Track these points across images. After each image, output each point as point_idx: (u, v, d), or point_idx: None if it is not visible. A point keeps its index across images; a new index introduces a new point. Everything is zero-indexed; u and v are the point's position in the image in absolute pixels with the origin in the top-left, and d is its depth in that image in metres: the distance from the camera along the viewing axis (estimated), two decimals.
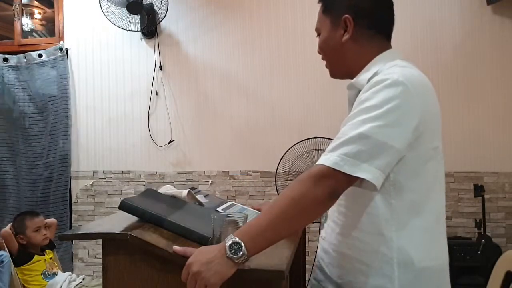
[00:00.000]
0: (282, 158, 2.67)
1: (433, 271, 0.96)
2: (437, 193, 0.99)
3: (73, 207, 3.39)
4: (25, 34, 3.70)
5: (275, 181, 2.68)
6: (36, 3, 4.00)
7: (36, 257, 2.48)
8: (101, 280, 1.18)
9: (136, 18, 3.09)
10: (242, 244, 0.86)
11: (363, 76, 1.01)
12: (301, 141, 2.66)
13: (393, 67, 0.97)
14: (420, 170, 0.95)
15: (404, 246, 0.94)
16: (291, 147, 2.67)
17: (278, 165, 2.68)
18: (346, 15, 1.03)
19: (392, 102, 0.89)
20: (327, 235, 1.10)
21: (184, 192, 1.34)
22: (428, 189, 0.97)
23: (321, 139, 2.62)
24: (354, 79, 1.04)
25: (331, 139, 2.74)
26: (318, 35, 1.12)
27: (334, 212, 1.06)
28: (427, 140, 0.94)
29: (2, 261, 2.27)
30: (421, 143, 0.93)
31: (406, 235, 0.94)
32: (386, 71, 0.96)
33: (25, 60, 3.35)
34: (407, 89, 0.90)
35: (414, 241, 0.94)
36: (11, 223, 2.52)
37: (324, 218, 1.16)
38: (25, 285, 2.42)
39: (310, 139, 2.64)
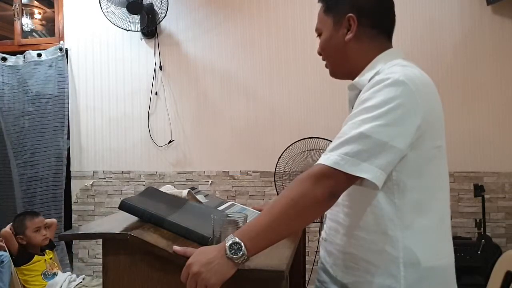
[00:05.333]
0: (279, 158, 2.67)
1: (439, 271, 0.96)
2: (441, 192, 0.99)
3: (73, 207, 3.39)
4: (25, 34, 3.70)
5: (274, 181, 2.68)
6: (36, 3, 4.00)
7: (36, 257, 2.48)
8: (101, 280, 1.18)
9: (136, 18, 3.09)
10: (242, 244, 0.86)
11: (364, 77, 1.01)
12: (296, 141, 2.66)
13: (394, 66, 0.97)
14: (423, 169, 0.94)
15: (410, 246, 0.94)
16: (288, 147, 2.67)
17: (276, 165, 2.68)
18: (350, 14, 1.03)
19: (393, 101, 0.89)
20: (329, 237, 1.09)
21: (184, 192, 1.35)
22: (432, 188, 0.97)
23: (316, 139, 2.62)
24: (356, 79, 1.04)
25: (325, 139, 2.73)
26: (318, 35, 1.12)
27: (338, 213, 1.05)
28: (430, 139, 0.94)
29: (3, 261, 2.27)
30: (423, 142, 0.93)
31: (411, 234, 0.94)
32: (387, 70, 0.95)
33: (23, 59, 3.35)
34: (409, 88, 0.90)
35: (419, 240, 0.94)
36: (11, 223, 2.52)
37: (324, 219, 1.16)
38: (25, 285, 2.42)
39: (305, 139, 2.64)
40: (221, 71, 3.21)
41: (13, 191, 3.29)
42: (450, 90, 2.90)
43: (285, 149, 2.67)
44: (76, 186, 3.39)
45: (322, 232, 1.15)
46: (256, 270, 0.91)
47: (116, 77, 3.34)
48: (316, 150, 2.62)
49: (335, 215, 1.07)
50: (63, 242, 3.23)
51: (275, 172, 2.68)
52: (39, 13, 4.05)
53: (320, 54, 1.13)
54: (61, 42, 3.38)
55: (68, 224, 3.41)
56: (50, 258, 2.57)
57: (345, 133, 0.91)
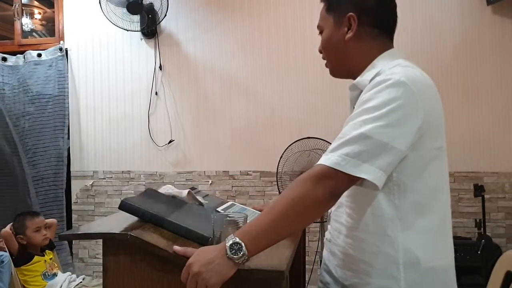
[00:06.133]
0: (281, 157, 2.66)
1: (439, 271, 0.96)
2: (442, 193, 0.99)
3: (73, 207, 3.39)
4: (25, 34, 3.70)
5: (277, 181, 2.68)
6: (36, 3, 3.99)
7: (36, 258, 2.48)
8: (101, 280, 1.19)
9: (136, 18, 3.09)
10: (243, 244, 0.86)
11: (365, 77, 1.01)
12: (297, 140, 2.65)
13: (396, 67, 0.96)
14: (424, 170, 0.94)
15: (410, 247, 0.93)
16: (288, 147, 2.67)
17: (278, 165, 2.67)
18: (351, 13, 1.03)
19: (394, 102, 0.89)
20: (332, 238, 1.09)
21: (184, 192, 1.34)
22: (433, 189, 0.96)
23: (317, 139, 2.61)
24: (357, 79, 1.04)
25: (321, 139, 2.71)
26: (320, 33, 1.12)
27: (342, 214, 1.05)
28: (431, 140, 0.94)
29: (3, 261, 2.27)
30: (424, 143, 0.93)
31: (411, 235, 0.94)
32: (388, 71, 0.95)
33: (23, 59, 3.35)
34: (410, 89, 0.90)
35: (419, 241, 0.94)
36: (11, 223, 2.52)
37: (328, 219, 1.16)
38: (25, 285, 2.42)
39: (303, 139, 2.63)
40: (221, 71, 3.21)
41: (27, 189, 3.28)
42: (450, 90, 2.90)
43: (286, 148, 2.66)
44: (76, 186, 3.39)
45: (327, 233, 1.14)
46: (256, 270, 0.91)
47: (116, 77, 3.34)
48: (318, 150, 2.61)
49: (339, 216, 1.07)
50: (66, 242, 3.23)
51: (277, 171, 2.67)
52: (39, 13, 4.05)
53: (320, 52, 1.13)
54: (61, 42, 3.38)
55: (68, 224, 3.41)
56: (50, 259, 2.57)
57: (346, 133, 0.91)
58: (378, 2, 1.05)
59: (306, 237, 2.66)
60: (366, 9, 1.03)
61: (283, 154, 2.67)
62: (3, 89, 3.33)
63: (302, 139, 2.63)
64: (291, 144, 2.66)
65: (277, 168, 2.66)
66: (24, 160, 3.27)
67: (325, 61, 1.14)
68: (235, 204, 1.46)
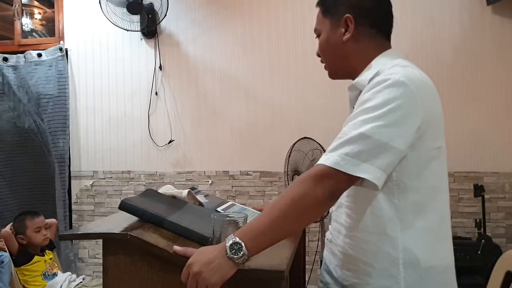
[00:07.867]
0: (289, 157, 2.65)
1: (439, 271, 0.96)
2: (441, 192, 0.99)
3: (73, 207, 3.39)
4: (25, 34, 3.70)
5: (286, 179, 2.65)
6: (36, 3, 3.99)
7: (36, 258, 2.48)
8: (101, 280, 1.19)
9: (136, 18, 3.09)
10: (243, 244, 0.86)
11: (364, 77, 1.01)
12: (298, 140, 2.64)
13: (395, 67, 0.96)
14: (424, 170, 0.94)
15: (410, 246, 0.94)
16: (293, 145, 2.66)
17: (286, 164, 2.66)
18: (347, 15, 1.04)
19: (393, 102, 0.89)
20: (333, 238, 1.10)
21: (184, 192, 1.35)
22: (432, 189, 0.96)
23: (308, 139, 2.60)
24: (355, 79, 1.04)
25: (315, 140, 2.70)
26: (317, 36, 1.12)
27: (341, 214, 1.05)
28: (430, 140, 0.94)
29: (3, 261, 2.27)
30: (423, 143, 0.93)
31: (411, 235, 0.94)
32: (388, 71, 0.95)
33: (24, 59, 3.35)
34: (409, 89, 0.90)
35: (419, 241, 0.94)
36: (12, 223, 2.52)
37: (328, 220, 1.16)
38: (25, 285, 2.42)
39: (302, 139, 2.63)
40: (221, 71, 3.21)
41: (17, 192, 3.28)
42: (450, 90, 2.90)
43: (292, 146, 2.65)
44: (76, 186, 3.39)
45: (327, 233, 1.15)
46: (256, 270, 0.91)
47: (116, 77, 3.34)
48: (320, 150, 2.61)
49: (338, 216, 1.07)
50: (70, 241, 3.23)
51: (286, 170, 2.65)
52: (39, 13, 4.05)
53: (318, 55, 1.14)
54: (61, 42, 3.38)
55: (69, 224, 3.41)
56: (50, 258, 2.58)
57: (345, 133, 0.91)
58: (374, 3, 1.05)
59: (306, 237, 2.66)
60: (362, 9, 1.04)
61: (290, 153, 2.65)
62: (3, 90, 3.32)
63: (304, 138, 2.63)
64: (296, 142, 2.65)
65: (286, 166, 2.64)
66: (54, 159, 3.25)
67: (323, 65, 1.14)
68: (235, 204, 1.46)
